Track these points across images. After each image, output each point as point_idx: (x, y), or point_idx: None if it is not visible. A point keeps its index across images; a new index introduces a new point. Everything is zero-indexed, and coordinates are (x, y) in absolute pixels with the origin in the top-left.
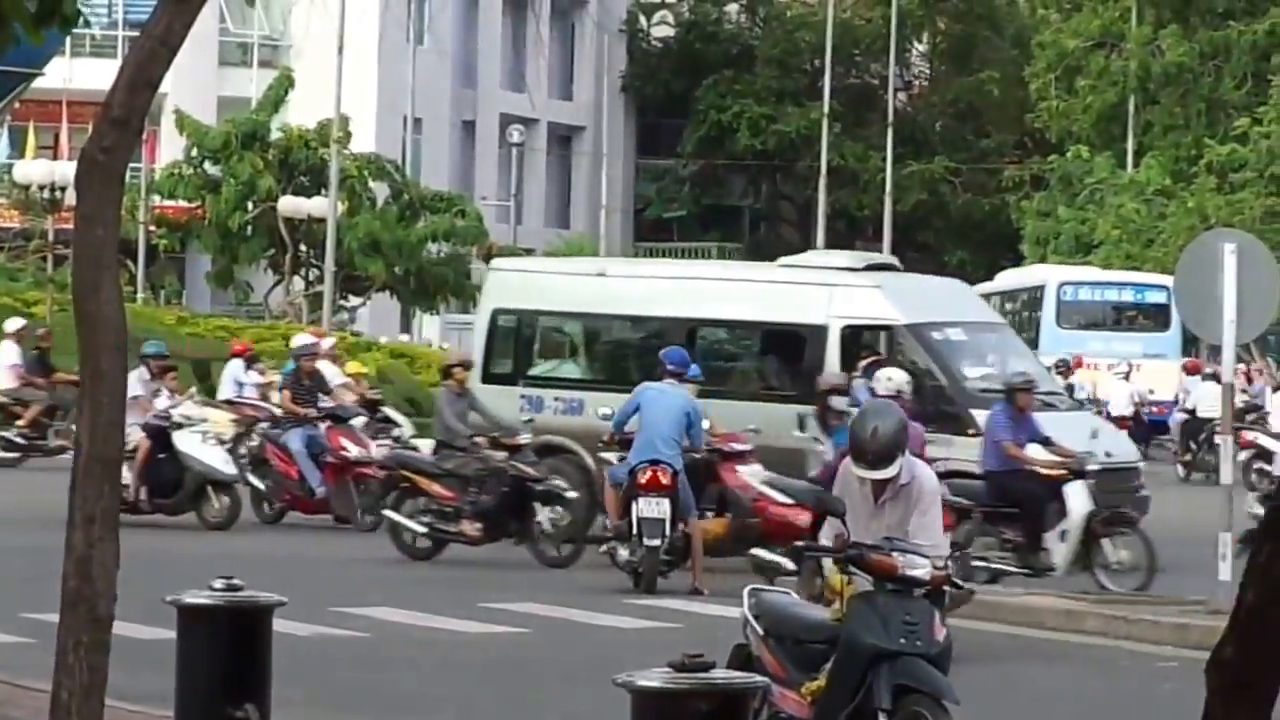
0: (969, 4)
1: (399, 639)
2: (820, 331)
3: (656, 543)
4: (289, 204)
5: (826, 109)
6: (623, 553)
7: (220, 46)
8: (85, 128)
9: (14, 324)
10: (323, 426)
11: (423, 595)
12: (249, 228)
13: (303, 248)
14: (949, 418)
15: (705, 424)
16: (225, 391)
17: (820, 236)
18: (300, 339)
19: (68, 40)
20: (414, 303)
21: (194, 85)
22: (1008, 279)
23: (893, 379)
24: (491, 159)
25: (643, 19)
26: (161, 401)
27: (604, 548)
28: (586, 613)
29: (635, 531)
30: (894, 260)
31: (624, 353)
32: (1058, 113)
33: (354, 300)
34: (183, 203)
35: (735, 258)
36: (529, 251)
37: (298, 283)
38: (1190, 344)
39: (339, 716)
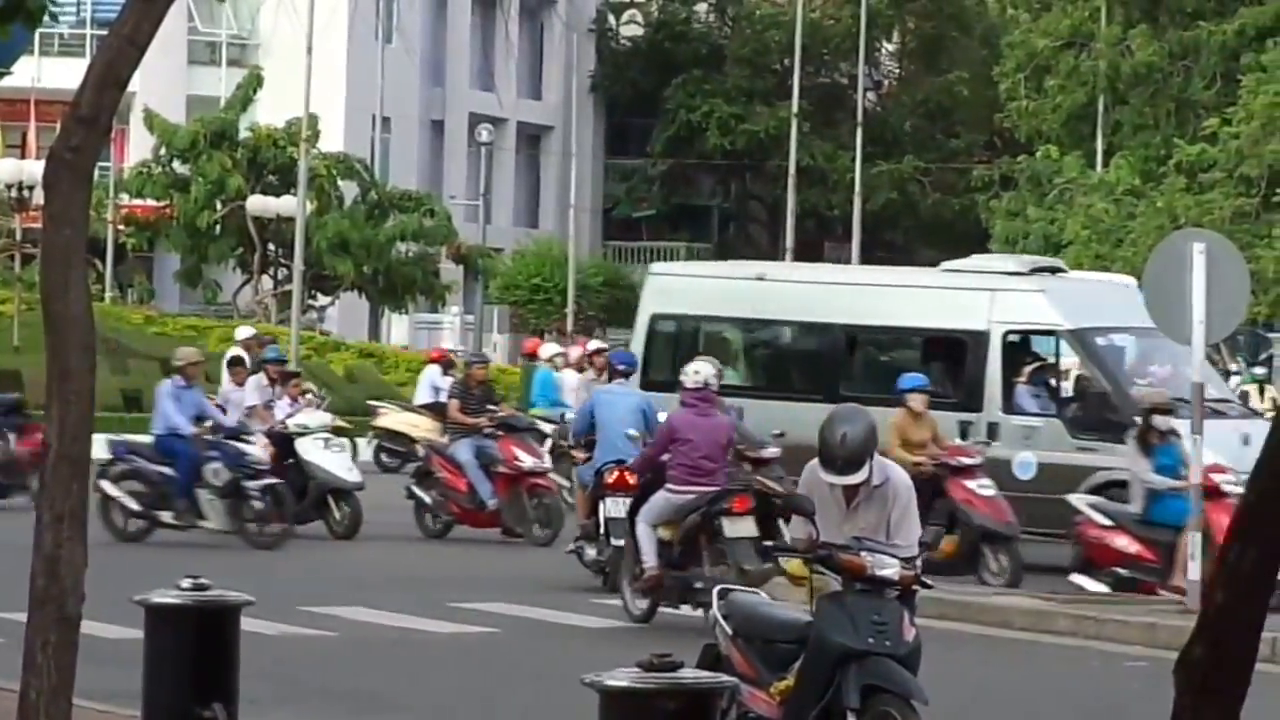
0: (938, 4)
1: (368, 639)
2: (982, 337)
3: (623, 542)
4: (258, 203)
5: (795, 108)
6: (590, 552)
7: (189, 45)
8: (53, 127)
9: (244, 332)
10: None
11: (392, 595)
12: (218, 227)
13: (271, 247)
14: (1113, 426)
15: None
16: (422, 396)
17: (789, 236)
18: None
19: (36, 39)
20: (382, 302)
21: (163, 84)
22: None
23: (699, 372)
24: (460, 158)
25: (612, 18)
26: (281, 409)
27: (570, 547)
28: (556, 612)
29: (603, 531)
30: (1059, 263)
31: (784, 359)
32: (1027, 112)
33: (323, 299)
34: (151, 201)
35: (704, 257)
36: (498, 251)
37: (266, 282)
38: None
39: (307, 716)
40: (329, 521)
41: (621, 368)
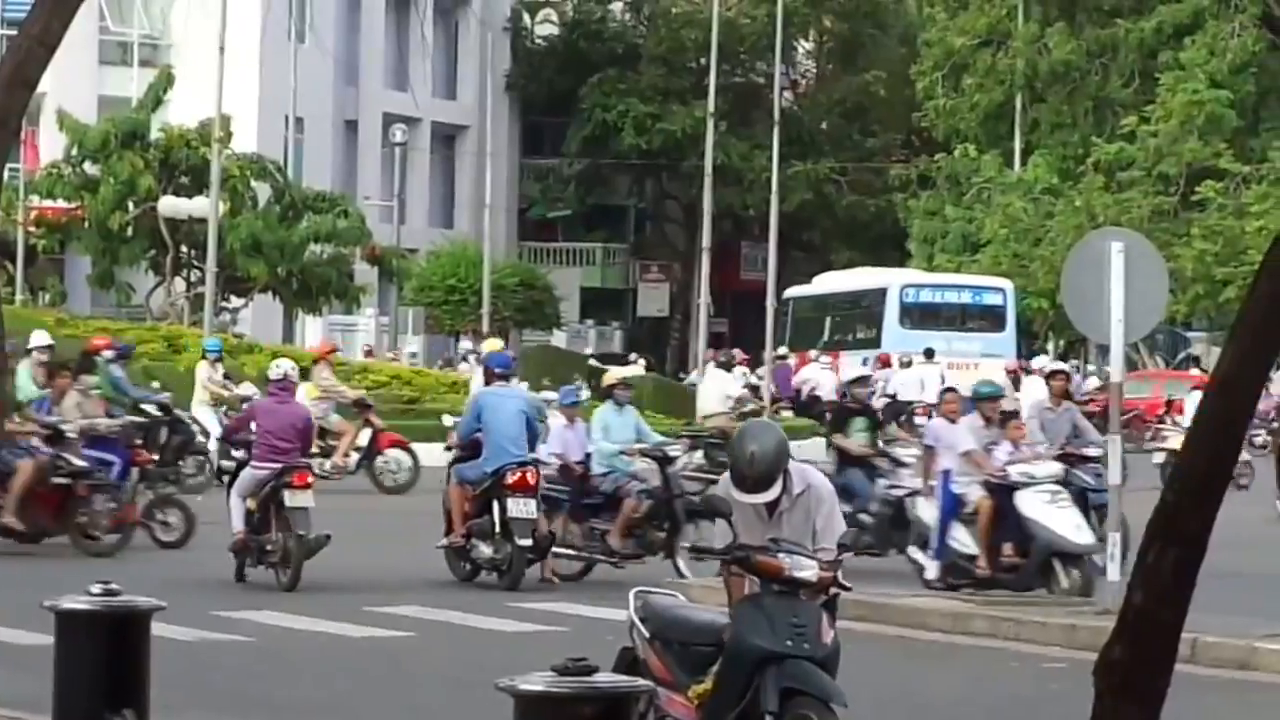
0: (855, 2)
1: (282, 643)
2: None
3: (528, 541)
4: (170, 204)
5: (712, 108)
6: (485, 550)
7: (100, 45)
8: None
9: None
10: None
11: (306, 599)
12: (129, 228)
13: (184, 248)
14: None
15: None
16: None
17: (706, 236)
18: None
19: None
20: (296, 304)
21: (73, 84)
22: (841, 281)
23: (280, 365)
24: (374, 158)
25: (526, 17)
26: (1001, 453)
27: (444, 542)
28: (471, 616)
29: (500, 530)
30: None
31: None
32: (944, 111)
33: (236, 301)
34: (62, 203)
35: (620, 258)
36: (412, 252)
37: (179, 284)
38: (1076, 350)
39: None
40: (1053, 588)
41: (499, 370)
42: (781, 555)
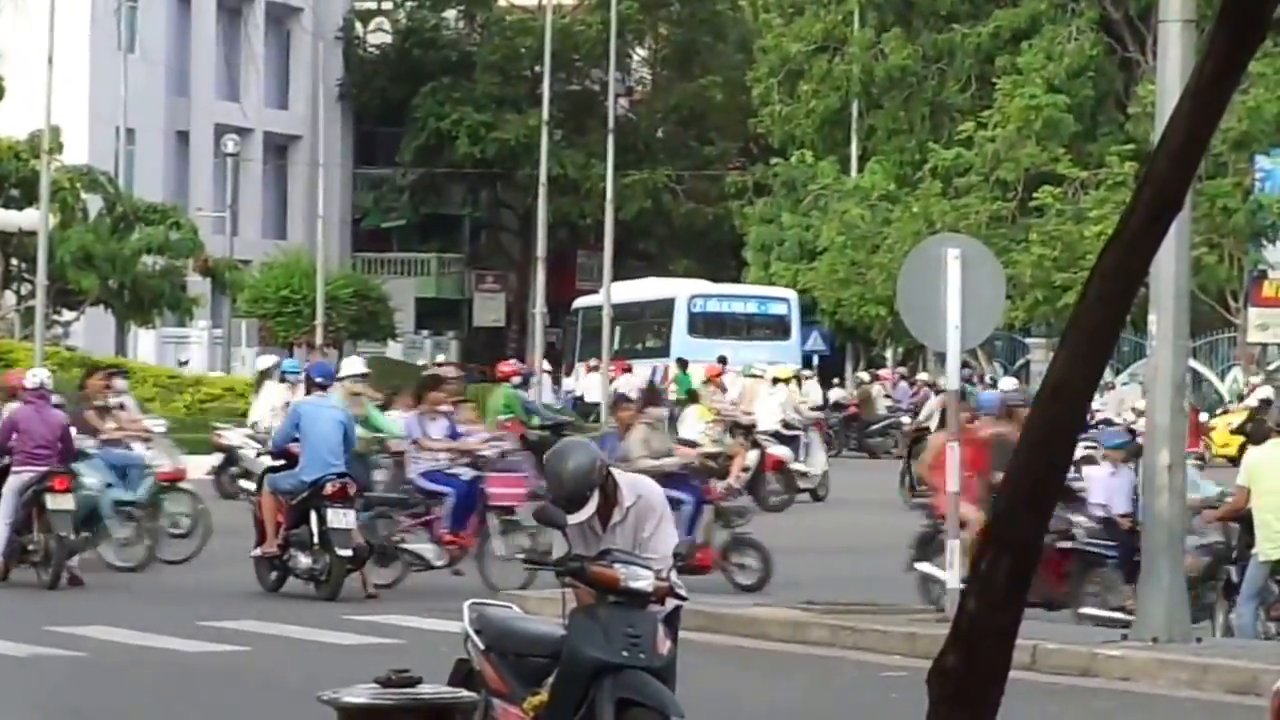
0: (691, 9)
1: (116, 658)
2: None
3: (348, 552)
4: None
5: (546, 116)
6: (303, 560)
7: None
8: None
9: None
10: None
11: (141, 613)
12: None
13: (14, 261)
14: None
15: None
16: None
17: (541, 246)
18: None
19: None
20: (128, 317)
21: None
22: (628, 292)
23: (36, 375)
24: (206, 169)
25: (359, 26)
26: None
27: (258, 551)
28: (307, 629)
29: (319, 541)
30: None
31: None
32: (780, 118)
33: (67, 315)
34: None
35: (455, 268)
36: (245, 263)
37: (9, 297)
38: (914, 357)
39: None
40: None
41: (320, 380)
42: (617, 566)
